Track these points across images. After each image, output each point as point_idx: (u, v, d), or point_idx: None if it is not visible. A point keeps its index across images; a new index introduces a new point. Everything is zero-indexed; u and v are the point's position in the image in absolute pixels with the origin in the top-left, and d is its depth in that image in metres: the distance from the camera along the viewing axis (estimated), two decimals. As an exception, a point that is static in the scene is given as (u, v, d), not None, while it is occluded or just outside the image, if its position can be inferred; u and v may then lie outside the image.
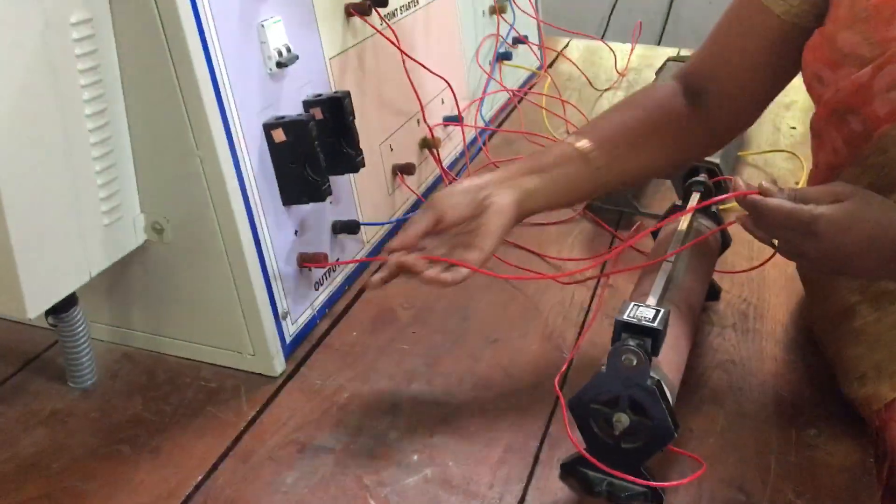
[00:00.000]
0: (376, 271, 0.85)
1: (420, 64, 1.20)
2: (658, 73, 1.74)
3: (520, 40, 1.80)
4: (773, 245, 0.81)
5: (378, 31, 1.14)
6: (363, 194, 1.16)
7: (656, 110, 0.96)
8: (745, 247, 1.21)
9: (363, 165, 1.04)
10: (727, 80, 0.95)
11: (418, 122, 1.35)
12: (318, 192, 0.95)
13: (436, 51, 1.42)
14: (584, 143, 0.91)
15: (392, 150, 1.26)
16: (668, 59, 1.75)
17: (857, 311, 0.89)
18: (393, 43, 1.15)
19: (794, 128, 1.67)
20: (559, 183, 0.90)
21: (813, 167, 0.96)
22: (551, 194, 0.90)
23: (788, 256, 0.81)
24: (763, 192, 0.77)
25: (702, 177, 1.03)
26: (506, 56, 1.73)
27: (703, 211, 1.02)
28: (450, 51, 1.49)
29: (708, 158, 1.26)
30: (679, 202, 1.05)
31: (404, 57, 1.17)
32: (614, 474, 0.77)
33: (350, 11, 1.12)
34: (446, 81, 1.25)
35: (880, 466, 0.86)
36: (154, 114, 0.84)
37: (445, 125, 1.43)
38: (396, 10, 1.26)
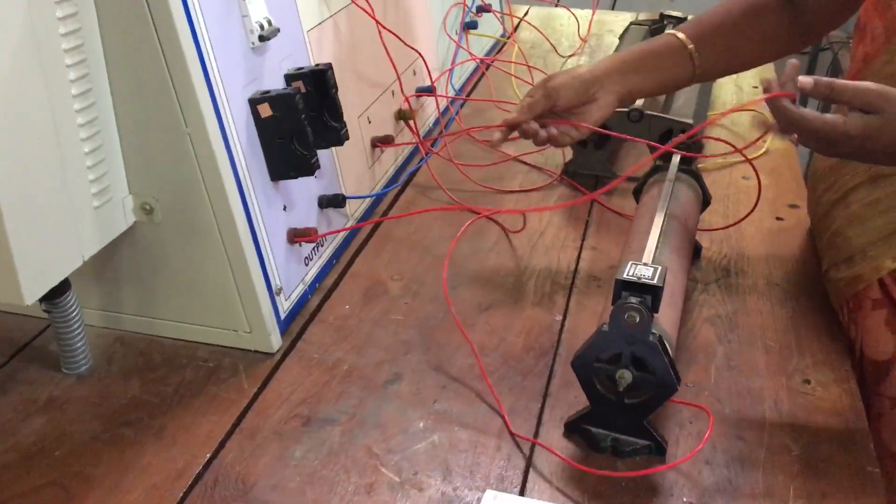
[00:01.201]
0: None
1: (395, 35, 1.19)
2: (622, 37, 1.75)
3: (484, 8, 1.80)
4: (794, 142, 0.82)
5: (355, 2, 1.13)
6: (346, 167, 1.16)
7: (753, 9, 1.01)
8: (721, 204, 1.24)
9: (347, 138, 1.04)
10: None
11: (393, 94, 1.34)
12: (307, 166, 0.95)
13: (405, 21, 1.41)
14: (687, 40, 1.00)
15: (370, 122, 1.25)
16: (631, 24, 1.77)
17: (855, 193, 0.97)
18: (368, 13, 1.15)
19: (755, 87, 1.70)
20: (661, 78, 1.02)
21: (850, 61, 1.03)
22: (653, 89, 1.04)
23: (816, 150, 0.83)
24: (800, 87, 0.78)
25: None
26: (471, 25, 1.73)
27: (683, 171, 1.05)
28: (420, 21, 1.49)
29: (680, 119, 1.28)
30: (660, 163, 1.07)
31: (379, 28, 1.16)
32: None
33: (324, -17, 1.10)
34: (418, 52, 1.24)
35: (852, 349, 0.94)
36: (140, 92, 0.83)
37: (419, 96, 1.43)
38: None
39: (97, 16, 0.79)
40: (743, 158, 1.06)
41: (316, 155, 0.95)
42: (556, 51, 1.88)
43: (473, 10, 1.76)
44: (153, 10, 0.78)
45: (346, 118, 1.03)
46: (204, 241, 0.89)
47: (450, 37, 1.60)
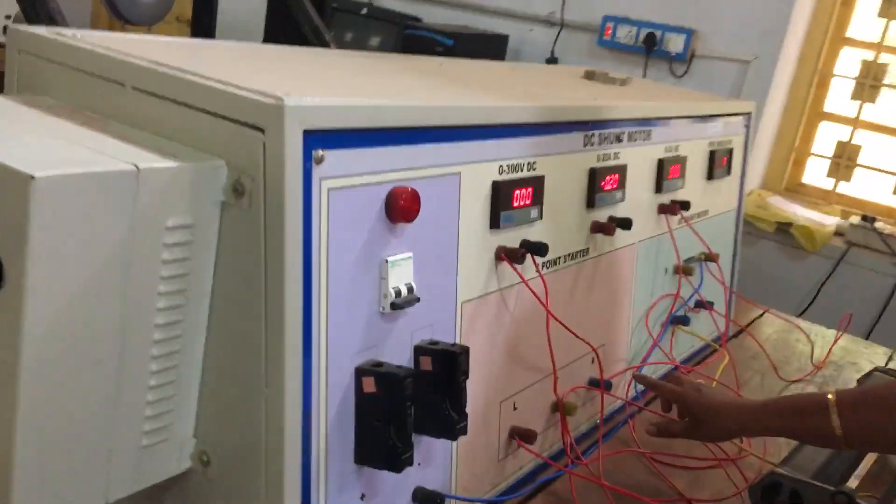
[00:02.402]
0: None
1: (564, 326, 1.05)
2: (860, 381, 1.48)
3: (702, 305, 1.62)
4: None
5: (525, 281, 1.02)
6: (464, 456, 1.00)
7: None
8: None
9: (464, 433, 0.89)
10: None
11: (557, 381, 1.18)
12: (395, 460, 0.81)
13: (598, 306, 1.27)
14: (837, 409, 0.93)
15: (515, 408, 1.10)
16: (875, 370, 1.50)
17: None
18: (539, 300, 1.02)
19: None
20: (797, 434, 1.01)
21: None
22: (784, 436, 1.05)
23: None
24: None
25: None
26: (682, 320, 1.55)
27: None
28: (615, 307, 1.34)
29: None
30: None
31: (549, 317, 1.03)
32: None
33: (501, 256, 1.00)
34: (592, 348, 1.09)
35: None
36: (234, 337, 0.75)
37: (588, 389, 1.26)
38: (560, 258, 1.14)
39: (217, 252, 0.74)
40: None
41: (411, 450, 0.81)
42: (777, 371, 1.63)
43: (691, 303, 1.59)
44: (268, 257, 0.71)
45: (484, 399, 0.90)
46: (249, 515, 0.76)
47: (649, 332, 1.43)
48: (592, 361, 1.27)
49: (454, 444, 0.98)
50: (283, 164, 0.69)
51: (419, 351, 0.89)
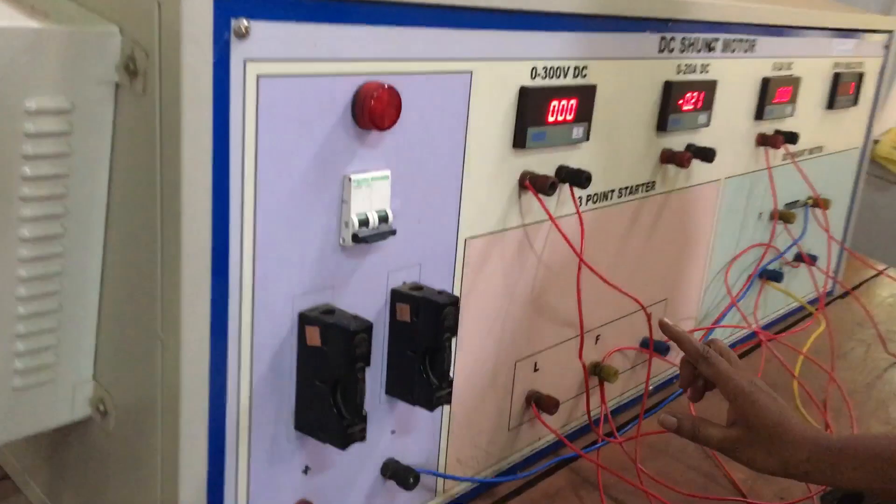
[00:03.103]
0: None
1: (595, 272, 0.83)
2: None
3: (803, 260, 1.36)
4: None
5: (551, 217, 0.80)
6: (461, 423, 0.82)
7: None
8: None
9: (444, 403, 0.71)
10: None
11: (596, 341, 0.98)
12: (339, 433, 0.63)
13: (663, 253, 1.05)
14: None
15: (536, 369, 0.90)
16: None
17: None
18: (567, 240, 0.81)
19: None
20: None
21: None
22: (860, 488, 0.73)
23: None
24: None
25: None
26: (773, 276, 1.30)
27: None
28: (687, 255, 1.11)
29: None
30: None
31: (581, 264, 0.82)
32: None
33: (525, 184, 0.79)
34: (638, 301, 0.87)
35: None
36: (132, 262, 0.58)
37: (640, 350, 1.05)
38: (612, 192, 0.92)
39: (111, 149, 0.56)
40: None
41: (363, 424, 0.64)
42: (885, 345, 1.36)
43: (788, 256, 1.33)
44: (164, 166, 0.53)
45: (494, 355, 0.75)
46: (145, 478, 0.61)
47: (727, 288, 1.19)
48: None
49: (446, 408, 0.80)
50: (180, 34, 0.50)
51: (396, 297, 0.70)
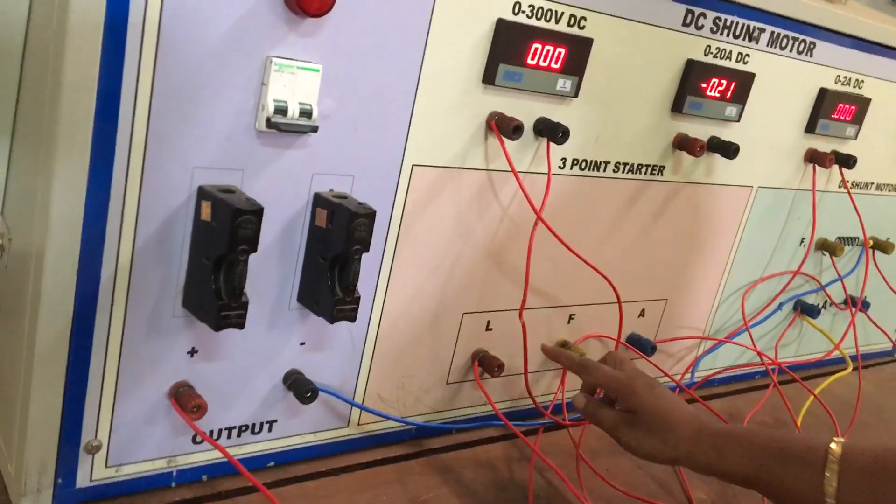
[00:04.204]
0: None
1: (563, 243, 0.79)
2: None
3: (849, 302, 1.24)
4: None
5: (513, 169, 0.76)
6: (386, 358, 0.79)
7: None
8: None
9: (346, 318, 0.68)
10: None
11: (569, 320, 0.93)
12: (215, 314, 0.62)
13: (666, 247, 0.98)
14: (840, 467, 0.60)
15: (490, 328, 0.86)
16: None
17: None
18: (528, 198, 0.77)
19: None
20: (769, 487, 0.64)
21: None
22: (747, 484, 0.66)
23: None
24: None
25: None
26: (808, 310, 1.20)
27: None
28: (699, 260, 1.04)
29: None
30: None
31: (539, 220, 0.77)
32: None
33: (491, 125, 0.76)
34: (610, 282, 0.81)
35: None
36: (36, 90, 0.59)
37: (626, 346, 0.98)
38: (609, 163, 0.87)
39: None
40: None
41: (242, 310, 0.62)
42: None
43: (836, 296, 1.22)
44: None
45: (438, 303, 0.72)
46: (14, 326, 0.62)
47: (742, 309, 1.10)
48: (642, 314, 1.00)
49: (370, 335, 0.77)
50: None
51: (317, 201, 0.68)
